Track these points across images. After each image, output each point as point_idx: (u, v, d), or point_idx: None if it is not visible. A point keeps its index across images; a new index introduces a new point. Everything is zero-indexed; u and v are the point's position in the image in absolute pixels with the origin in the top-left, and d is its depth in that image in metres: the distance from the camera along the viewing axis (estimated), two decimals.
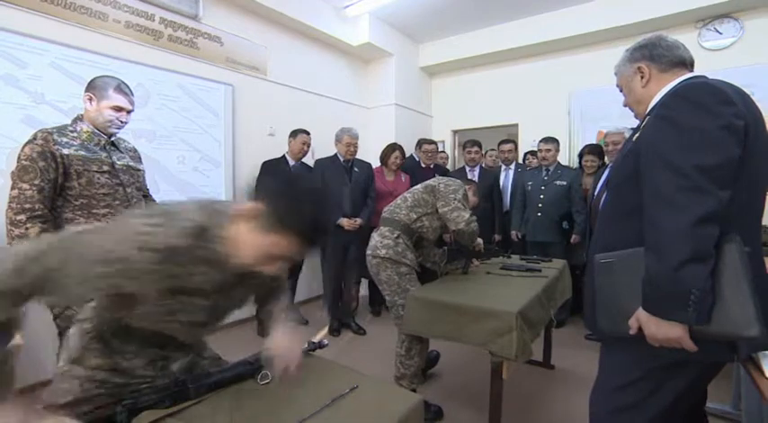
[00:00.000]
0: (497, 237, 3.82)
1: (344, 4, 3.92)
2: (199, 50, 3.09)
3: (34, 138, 1.57)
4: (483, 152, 4.06)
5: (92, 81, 1.73)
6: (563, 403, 2.18)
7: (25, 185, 1.52)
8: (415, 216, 2.11)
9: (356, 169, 3.25)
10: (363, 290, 3.67)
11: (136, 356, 0.99)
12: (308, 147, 3.31)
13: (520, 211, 3.56)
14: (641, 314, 0.92)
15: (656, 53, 1.10)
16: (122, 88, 1.76)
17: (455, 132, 5.27)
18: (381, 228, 2.17)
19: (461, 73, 5.03)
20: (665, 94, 1.01)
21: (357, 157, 3.31)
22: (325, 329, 3.01)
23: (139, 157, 1.95)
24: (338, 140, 3.23)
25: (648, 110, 1.09)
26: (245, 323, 3.40)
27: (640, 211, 0.95)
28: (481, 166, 3.96)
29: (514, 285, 1.98)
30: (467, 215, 2.00)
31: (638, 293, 0.93)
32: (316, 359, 1.13)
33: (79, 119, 1.72)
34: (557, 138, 3.47)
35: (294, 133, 3.28)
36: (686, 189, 0.85)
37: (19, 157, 1.55)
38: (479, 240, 2.29)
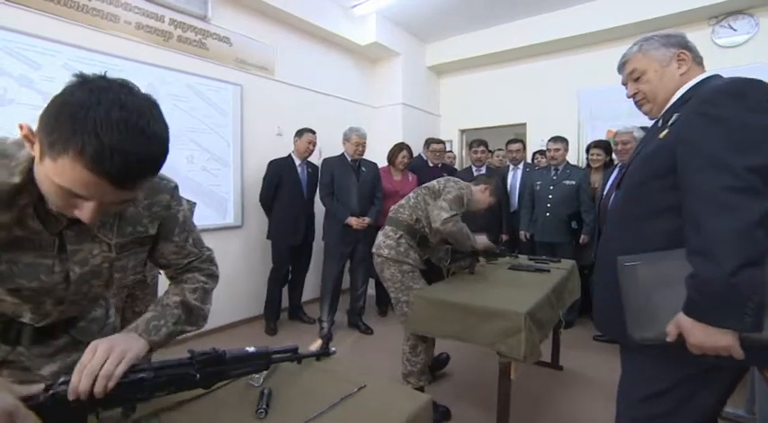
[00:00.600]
0: (505, 236, 3.80)
1: (352, 3, 3.93)
2: (208, 51, 3.12)
3: None
4: (490, 152, 4.05)
5: None
6: (571, 404, 2.17)
7: None
8: (416, 216, 2.13)
9: (364, 169, 3.26)
10: (370, 289, 3.67)
11: None
12: (314, 146, 3.32)
13: (528, 211, 3.54)
14: (684, 321, 0.86)
15: (690, 45, 1.06)
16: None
17: (462, 132, 5.25)
18: (386, 227, 2.19)
19: (469, 72, 5.01)
20: (708, 90, 0.94)
21: (364, 155, 3.32)
22: (319, 341, 2.99)
23: None
24: (346, 140, 3.23)
25: (671, 105, 1.05)
26: (255, 321, 3.42)
27: (671, 211, 0.92)
28: (488, 166, 3.95)
29: (523, 285, 1.97)
30: (445, 215, 1.98)
31: (672, 299, 0.88)
32: (323, 360, 1.13)
33: None
34: (565, 137, 3.44)
35: (300, 132, 3.30)
36: (739, 190, 0.80)
37: None
38: (483, 238, 2.29)
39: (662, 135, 1.00)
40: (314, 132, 3.31)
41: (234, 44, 3.29)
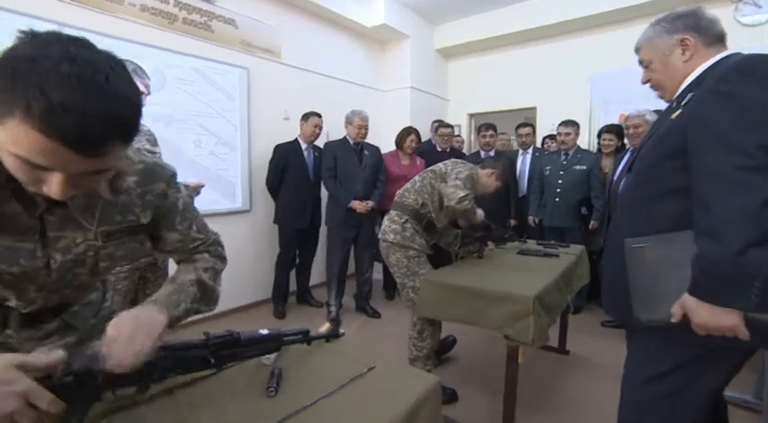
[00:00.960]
0: (513, 221, 3.78)
1: None
2: (213, 33, 3.08)
3: None
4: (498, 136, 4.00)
5: None
6: (577, 389, 2.18)
7: None
8: (421, 201, 2.11)
9: (366, 152, 3.24)
10: (377, 273, 3.69)
11: None
12: (320, 129, 3.30)
13: (537, 196, 3.50)
14: (689, 301, 0.86)
15: (702, 25, 1.02)
16: (138, 73, 1.78)
17: (471, 116, 5.18)
18: (391, 212, 2.18)
19: (478, 55, 4.91)
20: (723, 68, 0.92)
21: (372, 140, 3.29)
22: (327, 324, 3.02)
23: (155, 140, 1.98)
24: (349, 122, 3.20)
25: (686, 86, 1.02)
26: (263, 305, 3.47)
27: (680, 192, 0.91)
28: (496, 150, 3.90)
29: (531, 270, 1.96)
30: (461, 193, 1.96)
31: (678, 281, 0.88)
32: (332, 342, 1.14)
33: None
34: (577, 121, 3.37)
35: (306, 116, 3.27)
36: (750, 169, 0.79)
37: None
38: (480, 212, 2.27)
39: (674, 116, 0.98)
40: (320, 116, 3.28)
41: (240, 26, 3.24)
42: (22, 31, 0.51)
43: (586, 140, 4.01)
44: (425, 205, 2.11)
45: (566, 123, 3.31)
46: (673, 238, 0.92)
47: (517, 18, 4.27)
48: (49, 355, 0.58)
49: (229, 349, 0.87)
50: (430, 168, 2.21)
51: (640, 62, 1.13)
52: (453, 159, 2.24)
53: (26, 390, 0.55)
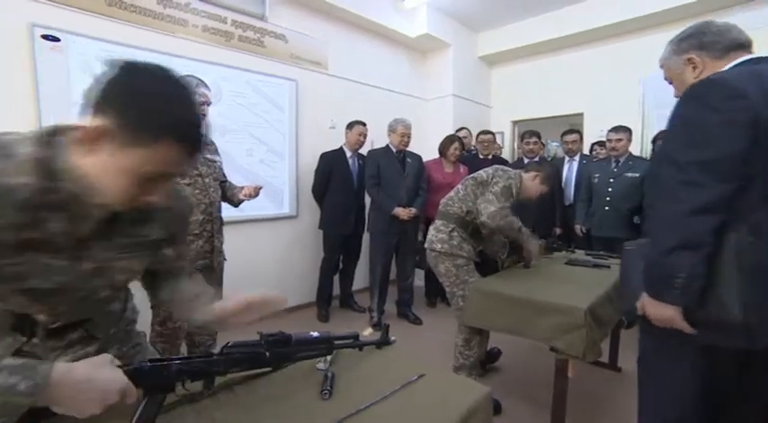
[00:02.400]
0: (558, 230, 3.67)
1: None
2: (265, 48, 3.25)
3: None
4: (542, 144, 3.91)
5: None
6: (630, 409, 2.06)
7: None
8: (466, 208, 2.10)
9: (409, 160, 3.27)
10: (419, 280, 3.70)
11: None
12: (365, 138, 3.37)
13: (585, 205, 3.38)
14: (644, 296, 1.02)
15: (706, 41, 1.08)
16: (201, 86, 1.92)
17: (515, 123, 5.09)
18: (437, 221, 2.19)
19: (522, 61, 4.83)
20: (696, 85, 1.00)
21: (414, 148, 3.32)
22: (370, 329, 3.03)
23: (216, 150, 2.12)
24: (392, 131, 3.24)
25: None
26: (307, 308, 3.57)
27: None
28: (540, 158, 3.81)
29: (581, 281, 1.90)
30: (492, 208, 1.92)
31: (639, 278, 1.03)
32: (383, 349, 1.16)
33: None
34: (628, 127, 3.23)
35: (351, 125, 3.36)
36: (683, 183, 0.93)
37: None
38: (520, 225, 2.23)
39: None
40: (364, 125, 3.36)
41: (289, 41, 3.40)
42: (109, 64, 0.62)
43: (639, 147, 3.82)
44: (470, 212, 2.09)
45: (617, 129, 3.18)
46: (647, 244, 1.04)
47: (562, 23, 4.17)
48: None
49: (282, 347, 0.92)
50: (472, 176, 2.20)
51: (666, 79, 1.22)
52: (496, 166, 2.20)
53: (125, 386, 0.65)
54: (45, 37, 2.22)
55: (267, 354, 0.89)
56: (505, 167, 2.18)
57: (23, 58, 2.18)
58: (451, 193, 2.22)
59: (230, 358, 0.85)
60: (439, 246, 2.09)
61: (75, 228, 0.68)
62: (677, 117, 1.00)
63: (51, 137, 0.65)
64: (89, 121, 0.60)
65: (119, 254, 0.77)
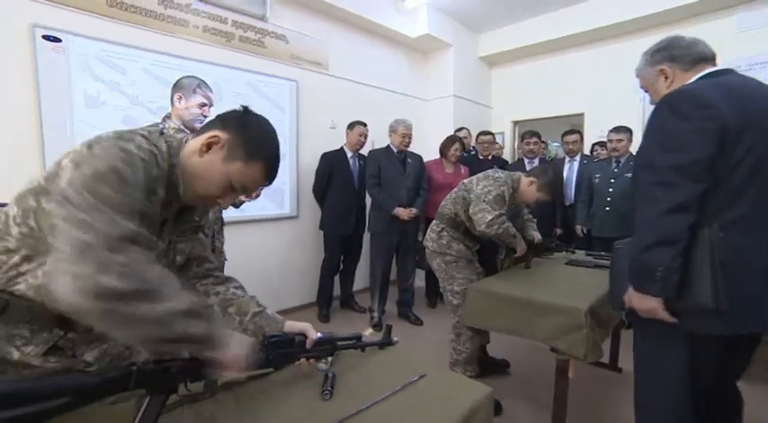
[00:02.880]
0: (558, 230, 3.66)
1: None
2: (266, 49, 3.25)
3: None
4: (543, 143, 3.91)
5: (179, 81, 1.90)
6: (632, 410, 2.07)
7: None
8: (455, 210, 2.18)
9: (409, 160, 3.27)
10: (419, 281, 3.70)
11: (29, 342, 0.76)
12: (366, 138, 3.37)
13: (586, 205, 3.38)
14: (629, 290, 1.11)
15: (676, 54, 1.18)
16: (202, 87, 1.92)
17: (515, 123, 5.09)
18: (434, 220, 2.29)
19: (523, 62, 4.83)
20: (668, 96, 1.10)
21: (415, 148, 3.32)
22: (370, 329, 3.03)
23: None
24: (393, 131, 3.24)
25: None
26: (308, 308, 3.57)
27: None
28: (541, 158, 3.81)
29: (581, 281, 1.90)
30: (489, 217, 1.95)
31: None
32: (385, 349, 1.16)
33: (168, 117, 1.90)
34: (629, 127, 3.23)
35: (351, 125, 3.36)
36: (659, 184, 1.02)
37: None
38: (536, 235, 2.28)
39: None
40: (365, 125, 3.36)
41: (290, 41, 3.40)
42: (242, 109, 0.86)
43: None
44: (458, 214, 2.16)
45: (617, 129, 3.18)
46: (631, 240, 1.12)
47: (563, 23, 4.17)
48: None
49: (284, 349, 0.92)
50: (467, 180, 2.24)
51: (642, 88, 1.32)
52: (486, 173, 2.18)
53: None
54: (46, 37, 2.22)
55: (269, 356, 0.89)
56: (497, 173, 2.15)
57: (25, 58, 2.18)
58: (448, 195, 2.29)
59: None
60: (430, 244, 2.23)
61: (166, 211, 0.80)
62: (653, 124, 1.09)
63: (163, 134, 0.81)
64: (213, 132, 0.80)
65: (178, 236, 0.93)
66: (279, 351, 0.91)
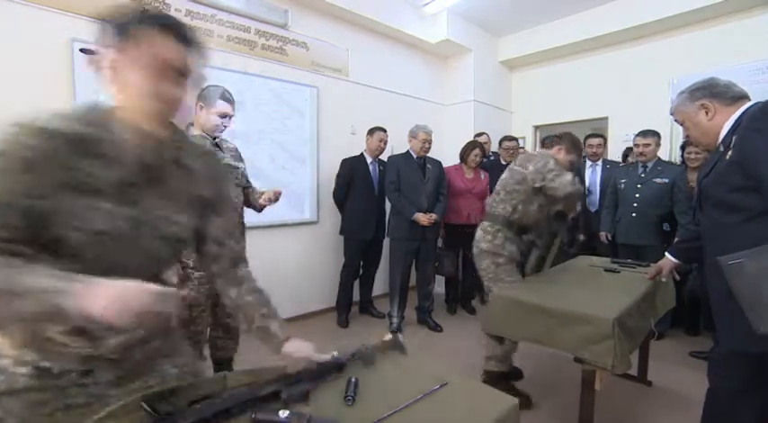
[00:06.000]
0: (581, 237, 3.57)
1: (423, 2, 3.93)
2: (287, 56, 3.31)
3: None
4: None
5: (202, 91, 1.94)
6: None
7: None
8: (510, 208, 2.16)
9: (429, 166, 3.26)
10: (439, 287, 3.66)
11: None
12: (385, 144, 3.39)
13: (611, 212, 3.28)
14: None
15: (716, 91, 1.30)
16: (226, 96, 1.96)
17: (537, 128, 5.01)
18: (484, 222, 2.29)
19: (544, 65, 4.76)
20: (751, 112, 1.18)
21: (435, 154, 3.31)
22: (389, 335, 3.00)
23: (240, 156, 2.16)
24: (413, 137, 3.24)
25: (727, 132, 1.27)
26: (327, 313, 3.58)
27: (758, 214, 1.13)
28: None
29: (608, 290, 1.84)
30: (568, 176, 1.99)
31: None
32: (406, 355, 1.15)
33: (191, 124, 1.95)
34: (657, 131, 3.13)
35: (371, 131, 3.37)
36: None
37: None
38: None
39: (728, 156, 1.22)
40: (385, 131, 3.37)
41: (311, 48, 3.45)
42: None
43: (668, 152, 3.70)
44: (516, 211, 2.15)
45: (644, 133, 3.09)
46: (763, 251, 1.05)
47: (585, 25, 4.09)
48: None
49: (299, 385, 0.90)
50: (506, 176, 2.23)
51: (677, 122, 1.43)
52: (520, 159, 2.23)
53: (161, 290, 0.67)
54: (83, 50, 2.32)
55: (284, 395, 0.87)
56: (529, 154, 2.26)
57: (63, 70, 2.29)
58: (494, 196, 2.28)
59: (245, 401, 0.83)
60: (484, 244, 2.20)
61: (113, 171, 0.72)
62: (755, 130, 1.13)
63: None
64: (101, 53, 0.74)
65: (167, 202, 0.81)
66: (293, 391, 0.88)
